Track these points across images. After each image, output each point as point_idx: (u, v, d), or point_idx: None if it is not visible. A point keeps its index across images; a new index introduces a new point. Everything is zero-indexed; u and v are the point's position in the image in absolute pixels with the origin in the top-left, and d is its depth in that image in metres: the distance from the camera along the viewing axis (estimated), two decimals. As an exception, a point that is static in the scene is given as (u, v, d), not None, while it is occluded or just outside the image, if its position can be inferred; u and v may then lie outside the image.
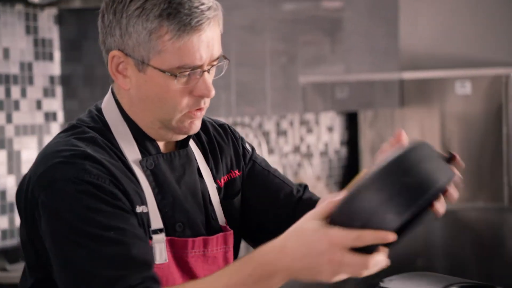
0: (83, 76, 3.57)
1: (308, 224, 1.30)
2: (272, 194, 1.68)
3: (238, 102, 3.90)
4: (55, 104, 3.57)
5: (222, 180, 1.66)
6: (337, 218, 1.28)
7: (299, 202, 1.69)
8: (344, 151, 5.52)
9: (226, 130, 1.73)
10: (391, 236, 1.24)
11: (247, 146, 1.74)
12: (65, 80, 3.59)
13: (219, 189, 1.64)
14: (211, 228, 1.59)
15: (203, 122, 1.68)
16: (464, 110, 5.23)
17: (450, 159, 1.34)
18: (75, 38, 3.56)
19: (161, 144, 1.59)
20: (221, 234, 1.58)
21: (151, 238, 1.51)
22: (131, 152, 1.53)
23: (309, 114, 5.11)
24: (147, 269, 1.40)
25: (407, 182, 1.23)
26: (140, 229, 1.46)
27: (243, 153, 1.71)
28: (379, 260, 1.27)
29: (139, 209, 1.49)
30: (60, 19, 3.57)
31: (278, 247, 1.31)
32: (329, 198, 1.35)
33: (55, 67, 3.56)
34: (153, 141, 1.56)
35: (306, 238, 1.29)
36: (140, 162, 1.53)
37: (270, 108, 4.15)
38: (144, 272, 1.39)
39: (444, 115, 5.27)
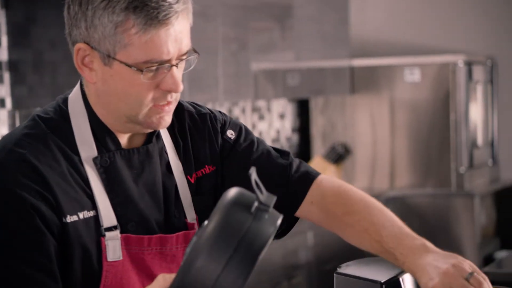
0: (31, 61, 3.52)
1: None
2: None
3: (191, 89, 3.89)
4: (3, 90, 3.52)
5: (194, 176, 1.62)
6: None
7: (289, 182, 1.65)
8: (295, 138, 5.55)
9: (205, 121, 1.68)
10: None
11: (229, 133, 1.67)
12: (13, 65, 3.53)
13: (190, 185, 1.61)
14: (172, 226, 1.56)
15: (182, 111, 1.64)
16: (413, 97, 5.28)
17: None
18: (23, 23, 3.50)
19: (126, 138, 1.55)
20: (182, 232, 1.55)
21: (104, 236, 1.49)
22: (87, 149, 1.50)
23: (261, 101, 5.12)
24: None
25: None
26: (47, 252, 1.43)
27: (223, 144, 1.66)
28: None
29: (70, 218, 1.46)
30: (6, 3, 3.51)
31: None
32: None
33: (2, 53, 3.51)
34: (114, 137, 1.53)
35: None
36: (94, 160, 1.51)
37: (222, 95, 4.15)
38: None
39: (394, 102, 5.32)
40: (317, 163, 5.27)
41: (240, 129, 1.70)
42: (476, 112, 5.44)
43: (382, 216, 1.61)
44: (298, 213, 1.69)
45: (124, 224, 1.51)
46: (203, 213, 1.60)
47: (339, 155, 5.26)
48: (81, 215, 1.46)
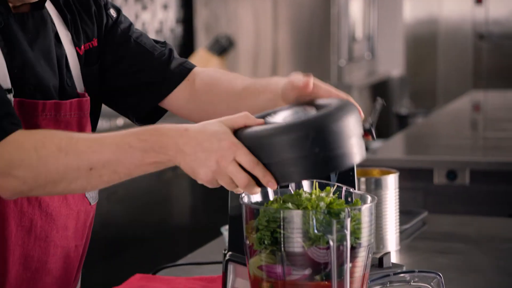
0: None
1: (215, 123, 1.30)
2: (135, 59, 1.67)
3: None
4: None
5: (82, 48, 1.63)
6: (246, 141, 1.27)
7: (167, 69, 1.67)
8: (179, 29, 5.55)
9: None
10: (274, 187, 1.26)
11: (112, 12, 1.69)
12: None
13: (79, 56, 1.62)
14: (66, 94, 1.56)
15: None
16: (295, -9, 5.35)
17: (368, 130, 1.32)
18: None
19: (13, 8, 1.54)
20: (75, 99, 1.55)
21: None
22: None
23: (146, -9, 5.07)
24: (8, 106, 1.40)
25: (325, 156, 1.22)
26: None
27: (106, 20, 1.68)
28: (256, 191, 1.28)
29: None
30: None
31: (179, 125, 1.31)
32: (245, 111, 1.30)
33: None
34: (3, 2, 1.51)
35: (209, 129, 1.29)
36: None
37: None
38: (5, 108, 1.39)
39: (277, -5, 5.38)
40: (200, 55, 5.31)
41: (119, 10, 1.72)
42: (356, 6, 5.57)
43: (245, 78, 1.65)
44: (167, 103, 1.70)
45: (20, 88, 1.50)
46: (90, 85, 1.63)
47: (222, 48, 5.31)
48: None
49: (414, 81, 6.90)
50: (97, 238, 3.61)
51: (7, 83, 1.48)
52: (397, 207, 2.06)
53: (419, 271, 1.53)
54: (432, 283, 1.53)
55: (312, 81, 1.40)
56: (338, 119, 1.25)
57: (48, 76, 1.54)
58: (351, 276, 1.28)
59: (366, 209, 1.29)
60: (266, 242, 1.27)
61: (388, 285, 1.51)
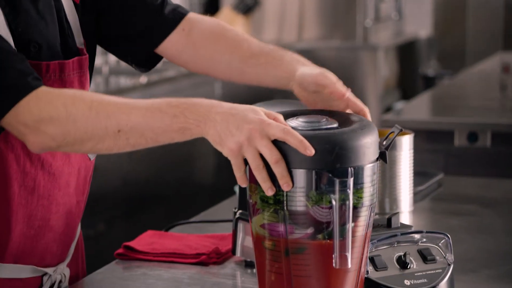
0: None
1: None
2: (127, 6, 1.63)
3: None
4: None
5: None
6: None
7: (159, 15, 1.65)
8: (204, -12, 5.53)
9: None
10: (288, 188, 1.24)
11: None
12: None
13: (76, 6, 1.58)
14: (69, 50, 1.55)
15: None
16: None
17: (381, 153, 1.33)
18: None
19: None
20: (76, 58, 1.54)
21: None
22: None
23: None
24: (27, 63, 1.40)
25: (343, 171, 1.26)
26: None
27: None
28: (272, 188, 1.25)
29: None
30: None
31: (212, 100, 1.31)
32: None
33: None
34: None
35: (244, 105, 1.30)
36: None
37: None
38: (26, 64, 1.39)
39: (303, -46, 5.33)
40: (225, 14, 5.29)
41: None
42: (383, -34, 5.50)
43: (253, 42, 1.63)
44: (162, 50, 1.67)
45: (25, 47, 1.48)
46: (89, 35, 1.61)
47: (247, 7, 5.29)
48: None
49: (442, 42, 6.82)
50: (118, 196, 3.66)
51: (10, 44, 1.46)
52: (411, 168, 2.06)
53: (426, 232, 1.53)
54: (440, 244, 1.54)
55: (348, 94, 1.41)
56: (361, 138, 1.28)
57: (52, 34, 1.52)
58: (353, 236, 1.29)
59: (368, 168, 1.29)
60: (269, 201, 1.28)
61: (395, 245, 1.51)
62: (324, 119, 1.35)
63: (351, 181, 1.25)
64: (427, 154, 3.21)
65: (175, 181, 4.08)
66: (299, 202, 1.26)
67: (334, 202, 1.24)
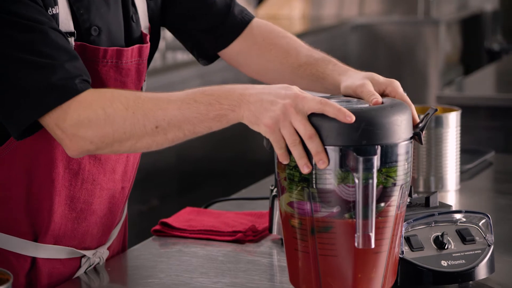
0: None
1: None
2: (194, 2, 1.62)
3: None
4: None
5: None
6: None
7: (229, 15, 1.63)
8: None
9: None
10: (324, 166, 1.21)
11: None
12: None
13: None
14: (131, 35, 1.53)
15: None
16: None
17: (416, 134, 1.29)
18: None
19: None
20: (136, 46, 1.52)
21: None
22: None
23: None
24: (79, 61, 1.39)
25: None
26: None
27: None
28: (308, 165, 1.23)
29: (51, 11, 1.41)
30: None
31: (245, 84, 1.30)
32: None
33: None
34: None
35: (277, 85, 1.29)
36: None
37: None
38: (77, 63, 1.38)
39: None
40: (286, -11, 5.25)
41: None
42: None
43: (301, 51, 1.61)
44: (222, 53, 1.67)
45: (85, 30, 1.47)
46: (154, 19, 1.59)
47: (308, -19, 5.24)
48: (55, 10, 1.41)
49: (509, 16, 6.65)
50: (172, 171, 3.67)
51: (69, 26, 1.46)
52: (458, 146, 2.00)
53: (466, 211, 1.49)
54: (480, 224, 1.49)
55: (380, 100, 1.35)
56: (389, 115, 1.25)
57: (114, 18, 1.50)
58: (384, 216, 1.25)
59: (399, 147, 1.25)
60: (296, 179, 1.26)
61: (433, 225, 1.48)
62: (355, 100, 1.32)
63: (374, 159, 1.21)
64: (486, 131, 3.13)
65: (230, 157, 4.07)
66: (325, 180, 1.24)
67: (356, 181, 1.21)
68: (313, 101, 1.24)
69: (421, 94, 5.08)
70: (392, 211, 1.27)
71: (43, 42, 1.38)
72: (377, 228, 1.24)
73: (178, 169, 3.69)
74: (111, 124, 1.33)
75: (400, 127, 1.25)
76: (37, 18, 1.38)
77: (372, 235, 1.22)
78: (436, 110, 1.34)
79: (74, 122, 1.34)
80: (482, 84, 3.66)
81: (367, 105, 1.30)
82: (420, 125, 1.31)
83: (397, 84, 1.41)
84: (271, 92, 1.27)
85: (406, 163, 1.27)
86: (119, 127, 1.33)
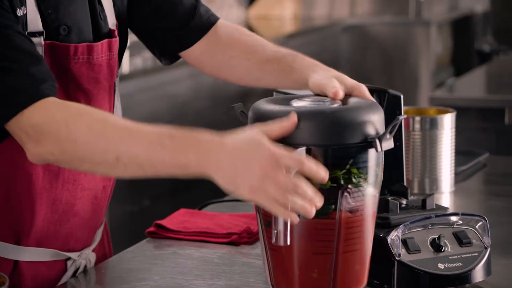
0: None
1: (253, 130, 1.26)
2: (159, 2, 1.62)
3: None
4: None
5: None
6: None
7: (196, 14, 1.62)
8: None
9: None
10: (325, 180, 1.22)
11: None
12: None
13: None
14: (99, 32, 1.52)
15: None
16: None
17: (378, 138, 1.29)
18: None
19: None
20: (105, 41, 1.51)
21: None
22: None
23: None
24: (46, 67, 1.37)
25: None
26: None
27: None
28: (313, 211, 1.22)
29: (19, 12, 1.40)
30: None
31: (216, 134, 1.27)
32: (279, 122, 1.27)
33: None
34: None
35: (248, 136, 1.25)
36: None
37: None
38: (44, 68, 1.36)
39: None
40: (277, -11, 5.25)
41: None
42: None
43: (268, 47, 1.60)
44: (184, 53, 1.65)
45: (54, 29, 1.46)
46: (122, 19, 1.58)
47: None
48: (23, 11, 1.42)
49: (499, 17, 6.67)
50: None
51: (38, 26, 1.45)
52: (453, 147, 2.00)
53: (462, 214, 1.48)
54: (476, 227, 1.48)
55: (341, 94, 1.36)
56: (358, 114, 1.27)
57: (83, 15, 1.50)
58: (326, 218, 1.28)
59: (353, 149, 1.27)
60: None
61: (429, 227, 1.47)
62: (328, 100, 1.34)
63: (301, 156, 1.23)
64: (477, 132, 3.13)
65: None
66: None
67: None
68: (290, 160, 1.22)
69: (412, 94, 5.09)
70: (335, 214, 1.29)
71: (7, 45, 1.36)
72: (318, 229, 1.28)
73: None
74: (72, 142, 1.31)
75: (360, 129, 1.26)
76: (1, 22, 1.37)
77: (287, 232, 1.23)
78: (404, 118, 1.34)
79: (36, 129, 1.33)
80: (474, 85, 3.66)
81: (337, 104, 1.32)
82: (381, 132, 1.29)
83: (364, 88, 1.41)
84: (244, 156, 1.24)
85: (366, 166, 1.28)
86: (78, 148, 1.31)
